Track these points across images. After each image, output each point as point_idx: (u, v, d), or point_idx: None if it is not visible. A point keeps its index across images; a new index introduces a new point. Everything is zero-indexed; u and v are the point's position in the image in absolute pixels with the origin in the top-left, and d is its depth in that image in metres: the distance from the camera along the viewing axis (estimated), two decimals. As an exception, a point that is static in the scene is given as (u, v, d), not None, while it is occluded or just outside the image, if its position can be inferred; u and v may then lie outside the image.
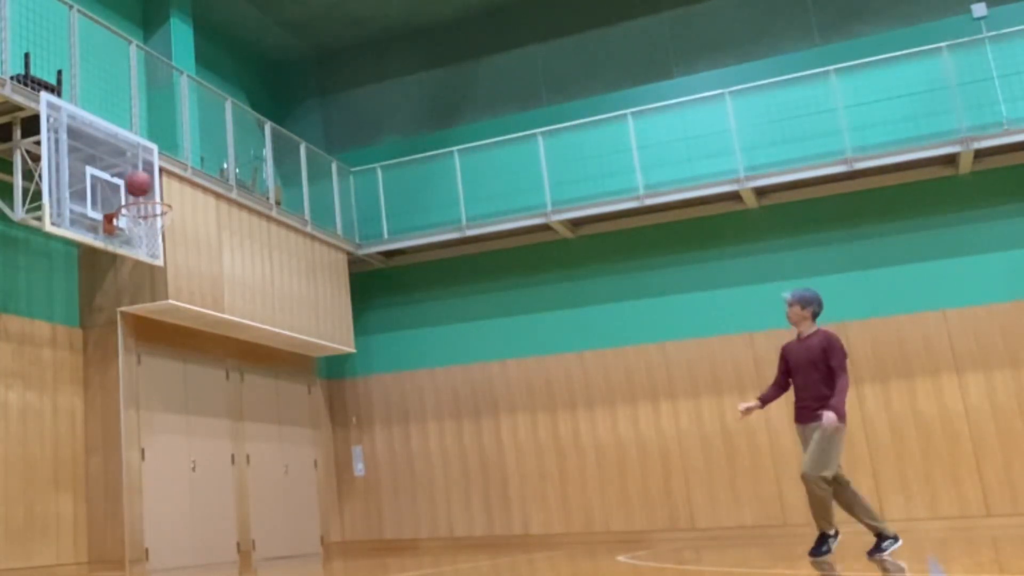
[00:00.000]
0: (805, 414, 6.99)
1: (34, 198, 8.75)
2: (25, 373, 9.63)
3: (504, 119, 14.49)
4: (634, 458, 12.85)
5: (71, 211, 8.66)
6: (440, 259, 14.36)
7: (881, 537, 6.86)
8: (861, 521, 6.89)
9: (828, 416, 6.70)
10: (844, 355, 6.92)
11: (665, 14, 14.10)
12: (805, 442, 6.97)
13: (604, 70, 14.25)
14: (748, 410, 7.25)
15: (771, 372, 11.61)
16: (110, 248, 9.20)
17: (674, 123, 13.23)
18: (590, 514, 12.93)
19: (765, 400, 7.35)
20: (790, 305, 7.16)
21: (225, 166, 11.86)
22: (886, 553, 6.77)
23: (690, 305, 12.94)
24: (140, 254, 9.49)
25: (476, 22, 15.06)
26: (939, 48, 12.00)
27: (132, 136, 9.69)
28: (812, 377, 6.94)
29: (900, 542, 6.92)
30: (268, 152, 12.82)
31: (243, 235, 11.68)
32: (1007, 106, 11.71)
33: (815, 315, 7.13)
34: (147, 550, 10.08)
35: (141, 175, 9.11)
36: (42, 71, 9.41)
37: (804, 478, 6.80)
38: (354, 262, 14.33)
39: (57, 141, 8.61)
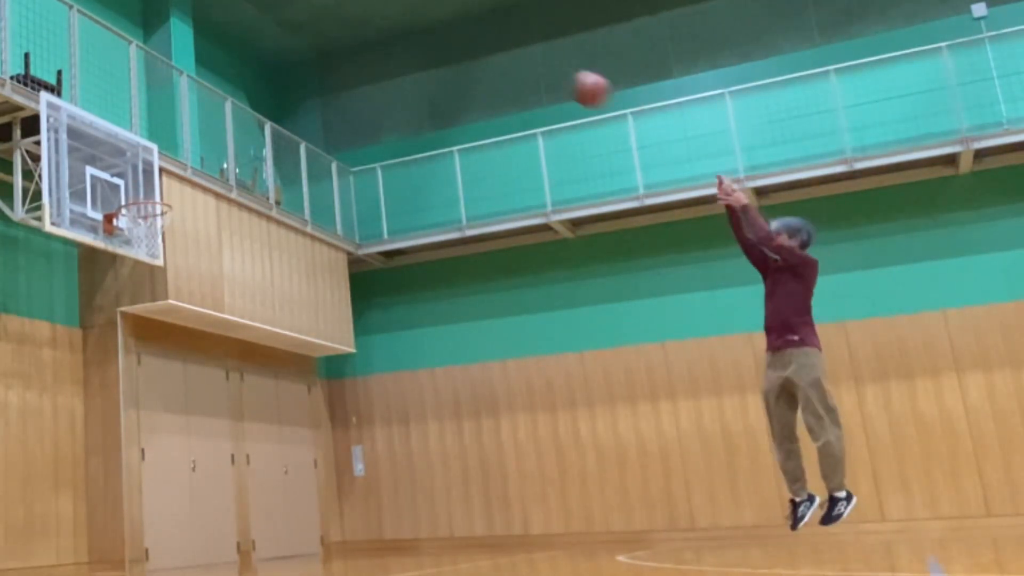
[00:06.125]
0: (777, 340, 6.22)
1: (34, 198, 8.75)
2: (25, 373, 9.63)
3: (504, 119, 14.47)
4: (634, 458, 12.84)
5: (71, 211, 8.66)
6: (440, 259, 14.35)
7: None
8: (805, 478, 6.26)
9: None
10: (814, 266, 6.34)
11: (665, 14, 14.08)
12: (773, 371, 6.20)
13: (604, 70, 14.08)
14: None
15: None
16: (110, 248, 9.20)
17: (674, 123, 13.21)
18: (590, 514, 12.91)
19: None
20: (777, 234, 6.39)
21: (225, 166, 11.85)
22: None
23: (690, 305, 12.92)
24: (140, 254, 9.49)
25: (476, 22, 15.05)
26: (939, 48, 11.98)
27: (132, 136, 9.69)
28: (784, 300, 6.23)
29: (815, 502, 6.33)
30: (268, 152, 12.82)
31: (243, 235, 11.68)
32: (1007, 106, 11.69)
33: (803, 245, 6.41)
34: (147, 550, 10.08)
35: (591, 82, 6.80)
36: (42, 71, 9.40)
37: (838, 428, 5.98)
38: (354, 262, 14.31)
39: (57, 141, 8.60)
